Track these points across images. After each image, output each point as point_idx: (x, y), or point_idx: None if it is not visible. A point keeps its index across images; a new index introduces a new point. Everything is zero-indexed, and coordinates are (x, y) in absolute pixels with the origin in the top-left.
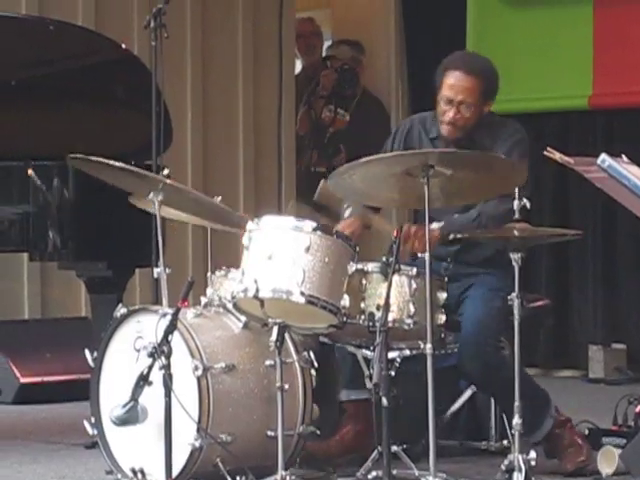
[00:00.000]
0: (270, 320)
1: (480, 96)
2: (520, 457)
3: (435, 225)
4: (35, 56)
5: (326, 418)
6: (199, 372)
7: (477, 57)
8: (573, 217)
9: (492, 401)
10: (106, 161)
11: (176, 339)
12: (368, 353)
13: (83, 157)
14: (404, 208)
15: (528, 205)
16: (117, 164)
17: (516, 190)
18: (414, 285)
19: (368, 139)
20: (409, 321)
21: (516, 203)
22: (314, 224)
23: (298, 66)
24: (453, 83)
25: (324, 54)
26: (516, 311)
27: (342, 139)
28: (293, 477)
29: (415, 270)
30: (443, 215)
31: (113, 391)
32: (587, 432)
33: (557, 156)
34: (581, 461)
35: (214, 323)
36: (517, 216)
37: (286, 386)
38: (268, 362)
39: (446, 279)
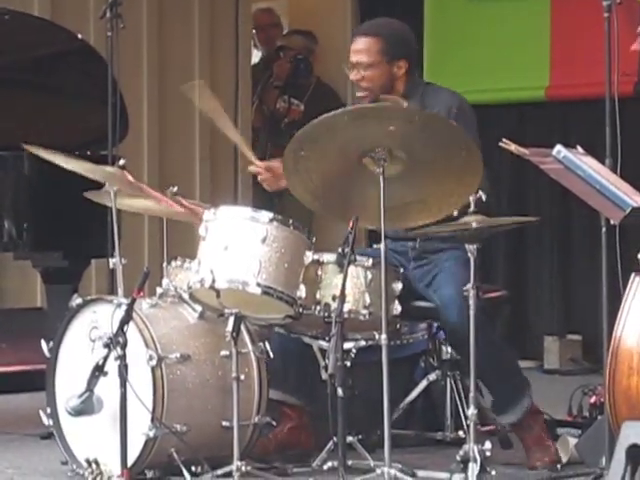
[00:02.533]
0: (226, 310)
1: (378, 55)
2: (475, 448)
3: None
4: None
5: None
6: (153, 362)
7: (382, 20)
8: (529, 208)
9: (448, 392)
10: (62, 157)
11: (131, 329)
12: (324, 344)
13: (40, 151)
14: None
15: (484, 197)
16: (72, 160)
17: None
18: (369, 276)
19: None
20: (365, 312)
21: (471, 196)
22: (270, 215)
23: (256, 56)
24: (352, 48)
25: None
26: (471, 302)
27: (297, 129)
28: (249, 468)
29: (371, 261)
30: None
31: (69, 381)
32: None
33: (513, 147)
34: (550, 461)
35: (169, 313)
36: (473, 208)
37: (242, 376)
38: (223, 352)
39: (402, 270)
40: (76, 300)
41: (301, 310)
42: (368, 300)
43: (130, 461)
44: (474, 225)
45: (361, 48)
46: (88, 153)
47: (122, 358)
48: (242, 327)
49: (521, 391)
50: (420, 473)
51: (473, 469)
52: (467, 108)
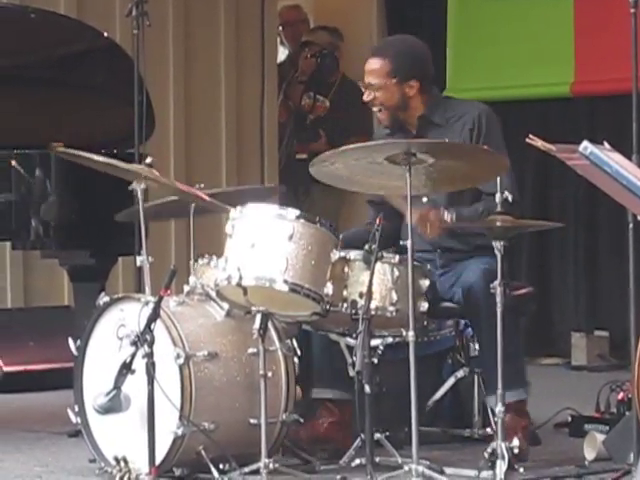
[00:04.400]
0: (253, 308)
1: (387, 77)
2: (503, 445)
3: (447, 215)
4: (16, 45)
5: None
6: (181, 360)
7: (394, 39)
8: (555, 204)
9: (475, 388)
10: (89, 155)
11: (158, 327)
12: (351, 341)
13: (66, 150)
14: (390, 194)
15: (510, 198)
16: (99, 158)
17: (498, 183)
18: (396, 273)
19: (348, 125)
20: (392, 309)
21: (498, 196)
22: (297, 212)
23: (282, 54)
24: (365, 68)
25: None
26: (499, 299)
27: (322, 125)
28: (276, 465)
29: (397, 258)
30: (451, 206)
31: (96, 379)
32: (570, 419)
33: (539, 143)
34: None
35: (197, 311)
36: (499, 209)
37: (269, 374)
38: (251, 350)
39: (429, 266)
40: (103, 298)
41: (328, 307)
42: (395, 297)
43: (158, 459)
44: (498, 224)
45: (371, 69)
46: (115, 151)
47: (149, 356)
48: (269, 324)
49: (520, 380)
50: (448, 470)
51: (501, 466)
52: (493, 115)
